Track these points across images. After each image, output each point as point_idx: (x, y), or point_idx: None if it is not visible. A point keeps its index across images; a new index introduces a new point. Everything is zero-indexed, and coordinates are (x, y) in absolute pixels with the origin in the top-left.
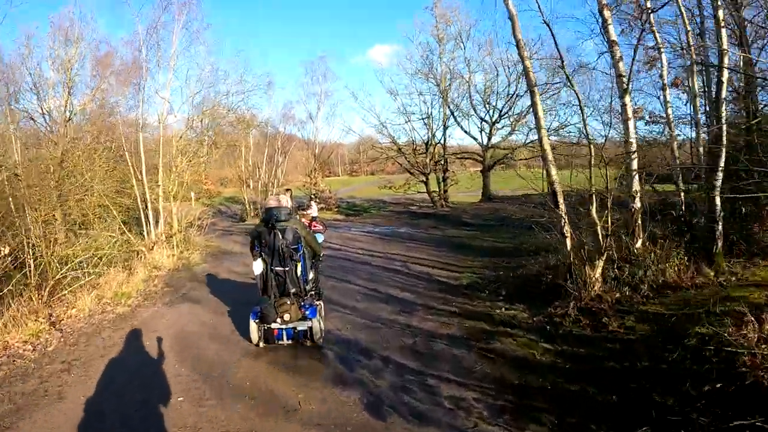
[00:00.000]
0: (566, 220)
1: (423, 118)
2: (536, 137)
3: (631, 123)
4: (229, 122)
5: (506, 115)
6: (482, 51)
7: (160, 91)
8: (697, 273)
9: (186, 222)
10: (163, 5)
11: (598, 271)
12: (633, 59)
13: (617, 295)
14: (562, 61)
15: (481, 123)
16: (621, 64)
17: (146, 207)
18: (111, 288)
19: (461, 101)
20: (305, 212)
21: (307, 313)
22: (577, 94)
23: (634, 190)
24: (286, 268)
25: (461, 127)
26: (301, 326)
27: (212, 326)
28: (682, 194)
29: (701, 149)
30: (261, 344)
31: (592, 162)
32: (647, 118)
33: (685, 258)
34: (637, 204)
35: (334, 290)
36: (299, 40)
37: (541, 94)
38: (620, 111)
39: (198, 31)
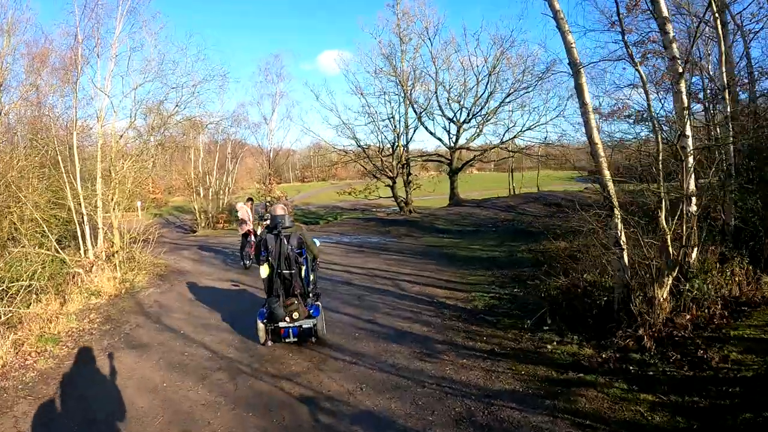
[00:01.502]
0: (622, 229)
1: (388, 118)
2: (510, 138)
3: (686, 113)
4: (177, 122)
5: (477, 114)
6: (449, 48)
7: (99, 83)
8: (757, 284)
9: (130, 237)
10: None
11: (666, 289)
12: (695, 37)
13: (688, 316)
14: (623, 31)
15: (448, 124)
16: (674, 45)
17: (83, 221)
18: (36, 327)
19: (427, 101)
20: (265, 222)
21: (312, 311)
22: (640, 74)
23: (691, 190)
24: (293, 271)
25: (426, 129)
26: (307, 324)
27: (166, 397)
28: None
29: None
30: (269, 343)
31: (661, 155)
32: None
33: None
34: (693, 208)
35: (326, 324)
36: (251, 42)
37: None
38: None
39: (146, 20)
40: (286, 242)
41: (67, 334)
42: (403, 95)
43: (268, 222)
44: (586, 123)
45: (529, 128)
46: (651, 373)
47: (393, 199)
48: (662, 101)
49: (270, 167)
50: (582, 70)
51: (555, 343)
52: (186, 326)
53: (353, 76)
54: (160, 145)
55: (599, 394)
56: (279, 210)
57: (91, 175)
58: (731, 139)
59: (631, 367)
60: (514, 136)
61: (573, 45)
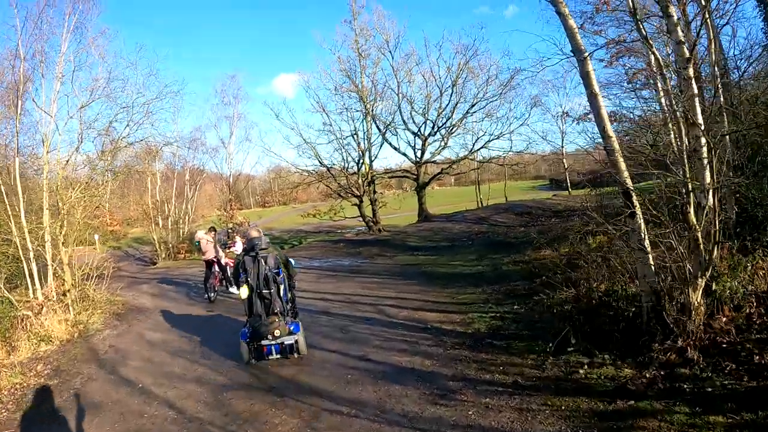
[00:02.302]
0: (646, 230)
1: (351, 135)
2: (478, 148)
3: (697, 100)
4: (128, 144)
5: (443, 126)
6: (410, 60)
7: (44, 105)
8: None
9: (82, 273)
10: None
11: (700, 292)
12: (704, 18)
13: (724, 319)
14: (635, 11)
15: (413, 138)
16: (679, 29)
17: (29, 257)
18: None
19: (390, 117)
20: (229, 250)
21: (292, 328)
22: (657, 57)
23: (707, 182)
24: (272, 290)
25: (390, 144)
26: (288, 340)
27: None
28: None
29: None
30: (253, 361)
31: (686, 146)
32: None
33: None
34: (710, 200)
35: (309, 365)
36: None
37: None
38: (681, 87)
39: (94, 37)
40: (263, 263)
41: (10, 391)
42: (365, 111)
43: (230, 249)
44: (597, 114)
45: (497, 137)
46: (709, 389)
47: (360, 218)
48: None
49: (231, 192)
50: (588, 57)
51: (586, 366)
52: (145, 377)
53: (314, 92)
54: (111, 171)
55: (663, 424)
56: (254, 232)
57: (38, 206)
58: (736, 127)
59: (684, 385)
60: (482, 146)
61: (576, 30)
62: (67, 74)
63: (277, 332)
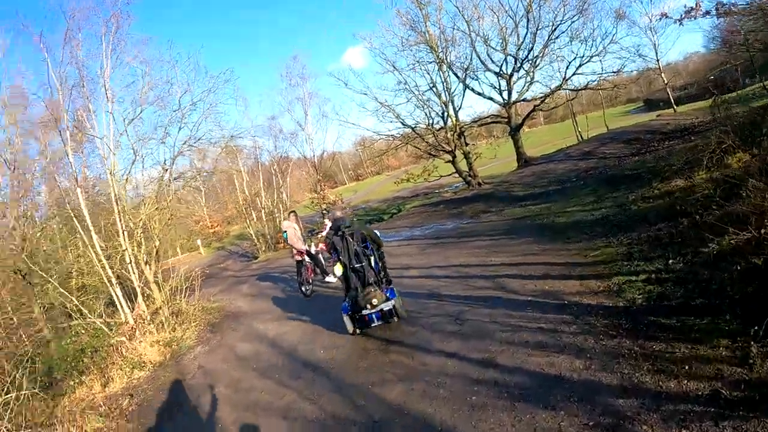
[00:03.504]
0: None
1: (429, 88)
2: (571, 74)
3: None
4: (191, 146)
5: (525, 60)
6: None
7: (98, 131)
8: None
9: (171, 288)
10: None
11: None
12: None
13: None
14: None
15: (497, 79)
16: None
17: (111, 282)
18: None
19: (466, 61)
20: (320, 235)
21: (388, 294)
22: None
23: None
24: (363, 264)
25: (473, 90)
26: (386, 306)
27: None
28: None
29: None
30: (357, 331)
31: None
32: None
33: None
34: None
35: (420, 380)
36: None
37: None
38: None
39: (138, 49)
40: (351, 240)
41: None
42: (438, 61)
43: (320, 235)
44: None
45: (588, 59)
46: None
47: (457, 174)
48: None
49: (318, 173)
50: None
51: None
52: (229, 413)
53: (379, 51)
54: (182, 179)
55: None
56: (338, 212)
57: (111, 230)
58: None
59: None
60: (575, 72)
61: None
62: (112, 92)
63: (374, 301)
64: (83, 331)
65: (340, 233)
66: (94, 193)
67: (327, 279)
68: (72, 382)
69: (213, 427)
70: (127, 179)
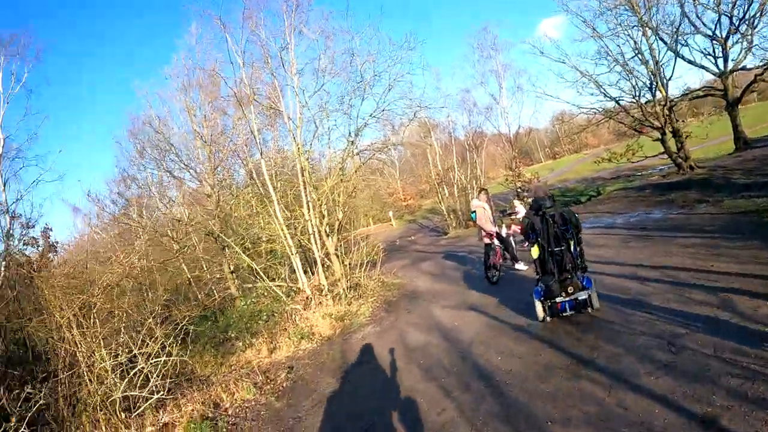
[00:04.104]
0: None
1: (635, 54)
2: None
3: None
4: (377, 120)
5: (743, 20)
6: None
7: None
8: None
9: (354, 259)
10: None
11: None
12: None
13: None
14: None
15: (711, 43)
16: None
17: (291, 251)
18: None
19: (673, 25)
20: (513, 217)
21: (584, 283)
22: None
23: None
24: (562, 248)
25: (682, 57)
26: (582, 296)
27: None
28: None
29: None
30: (548, 319)
31: None
32: None
33: None
34: None
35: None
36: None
37: None
38: None
39: (321, 27)
40: (551, 221)
41: (236, 410)
42: (640, 24)
43: (514, 217)
44: None
45: None
46: None
47: (664, 155)
48: None
49: (513, 149)
50: None
51: None
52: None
53: (575, 15)
54: (368, 152)
55: None
56: (540, 192)
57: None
58: None
59: None
60: None
61: None
62: (296, 67)
63: (570, 289)
64: (265, 294)
65: (540, 213)
66: (280, 165)
67: (516, 266)
68: (242, 344)
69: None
70: (308, 151)
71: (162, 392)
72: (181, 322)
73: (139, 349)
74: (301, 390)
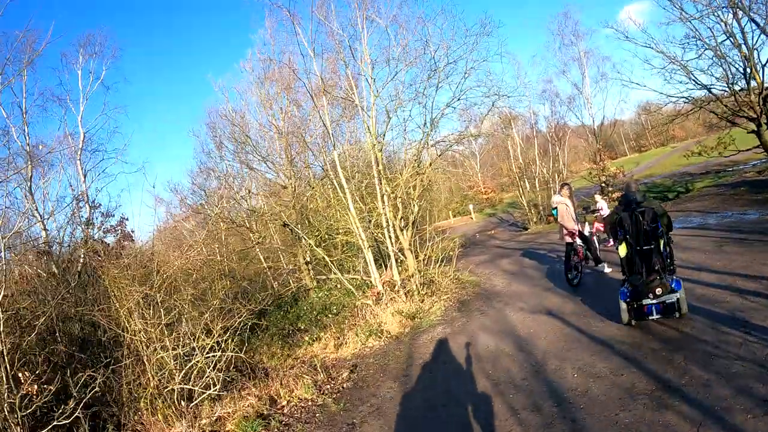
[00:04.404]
0: None
1: (727, 38)
2: None
3: None
4: (453, 110)
5: None
6: None
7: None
8: None
9: (430, 255)
10: None
11: None
12: None
13: None
14: None
15: None
16: None
17: (363, 245)
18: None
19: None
20: (596, 214)
21: (674, 285)
22: None
23: None
24: (651, 247)
25: None
26: (670, 299)
27: None
28: None
29: None
30: (633, 322)
31: None
32: None
33: None
34: None
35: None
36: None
37: None
38: None
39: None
40: (641, 218)
41: (290, 411)
42: (731, 5)
43: (596, 215)
44: None
45: None
46: None
47: (761, 149)
48: None
49: (597, 141)
50: None
51: None
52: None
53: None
54: (443, 144)
55: None
56: (632, 186)
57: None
58: None
59: None
60: None
61: None
62: (369, 57)
63: (658, 291)
64: (338, 287)
65: (630, 209)
66: (355, 157)
67: (599, 267)
68: (309, 337)
69: None
70: (382, 143)
71: (217, 386)
72: (242, 316)
73: (196, 342)
74: (361, 393)
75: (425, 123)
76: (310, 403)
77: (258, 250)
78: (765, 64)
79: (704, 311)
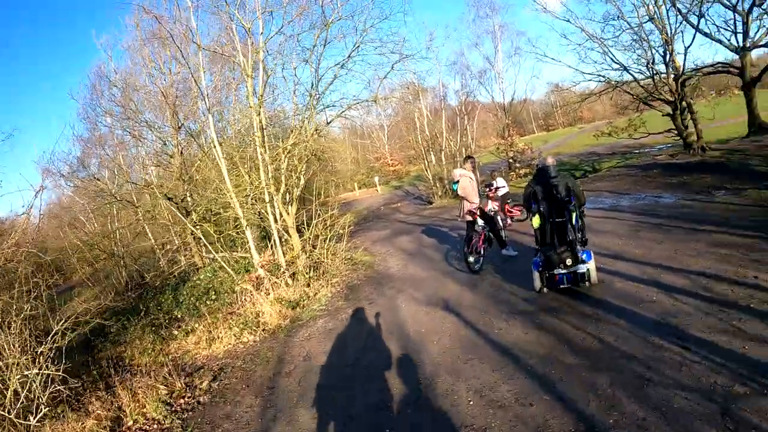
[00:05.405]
0: None
1: (648, 19)
2: None
3: None
4: (339, 78)
5: None
6: None
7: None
8: None
9: (318, 233)
10: None
11: None
12: None
13: None
14: None
15: (733, 15)
16: None
17: (243, 222)
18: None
19: None
20: (492, 190)
21: (584, 257)
22: None
23: None
24: (564, 219)
25: (695, 28)
26: (581, 269)
27: None
28: None
29: None
30: (544, 290)
31: None
32: None
33: None
34: None
35: None
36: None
37: None
38: None
39: None
40: (555, 191)
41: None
42: None
43: (496, 191)
44: None
45: None
46: None
47: (671, 133)
48: None
49: (507, 116)
50: None
51: None
52: None
53: None
54: (338, 108)
55: None
56: (549, 160)
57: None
58: None
59: None
60: None
61: None
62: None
63: (568, 261)
64: (222, 267)
65: (543, 181)
66: (234, 121)
67: (504, 251)
68: (183, 330)
69: None
70: (260, 103)
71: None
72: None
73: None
74: (216, 411)
75: (312, 85)
76: (155, 426)
77: (145, 225)
78: (688, 48)
79: (628, 314)
